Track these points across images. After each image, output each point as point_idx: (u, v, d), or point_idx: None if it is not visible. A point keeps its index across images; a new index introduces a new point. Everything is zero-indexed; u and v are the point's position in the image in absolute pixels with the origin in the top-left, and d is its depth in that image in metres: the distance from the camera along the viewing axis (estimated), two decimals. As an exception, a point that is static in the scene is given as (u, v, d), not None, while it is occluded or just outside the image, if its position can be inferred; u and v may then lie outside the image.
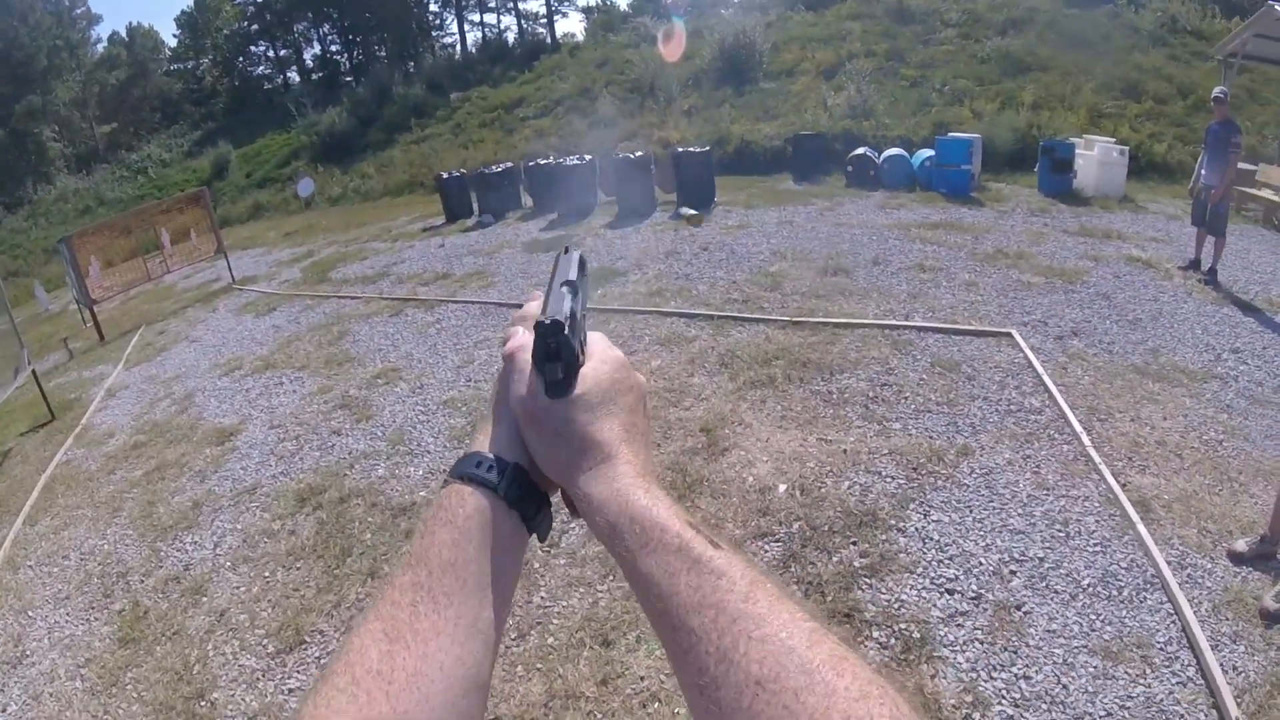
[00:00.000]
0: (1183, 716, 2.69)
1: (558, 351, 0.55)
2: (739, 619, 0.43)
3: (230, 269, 12.85)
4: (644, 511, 0.50)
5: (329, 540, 4.08)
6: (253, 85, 43.17)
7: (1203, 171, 7.63)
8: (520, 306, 0.65)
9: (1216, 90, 7.61)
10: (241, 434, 5.95)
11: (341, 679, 0.45)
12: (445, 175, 14.65)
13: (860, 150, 12.66)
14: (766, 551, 3.53)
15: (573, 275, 0.64)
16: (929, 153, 12.16)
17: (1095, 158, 11.36)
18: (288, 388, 6.83)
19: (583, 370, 0.57)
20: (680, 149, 12.16)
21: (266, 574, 3.93)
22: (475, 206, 14.04)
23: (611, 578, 3.40)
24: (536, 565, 3.54)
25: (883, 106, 15.86)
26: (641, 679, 2.95)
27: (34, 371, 7.86)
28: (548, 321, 0.55)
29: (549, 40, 36.14)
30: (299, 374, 7.11)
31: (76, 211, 29.26)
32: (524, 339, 0.59)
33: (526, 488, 0.56)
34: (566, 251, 0.68)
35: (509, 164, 14.46)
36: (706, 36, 20.97)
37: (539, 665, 3.06)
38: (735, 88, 18.99)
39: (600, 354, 0.60)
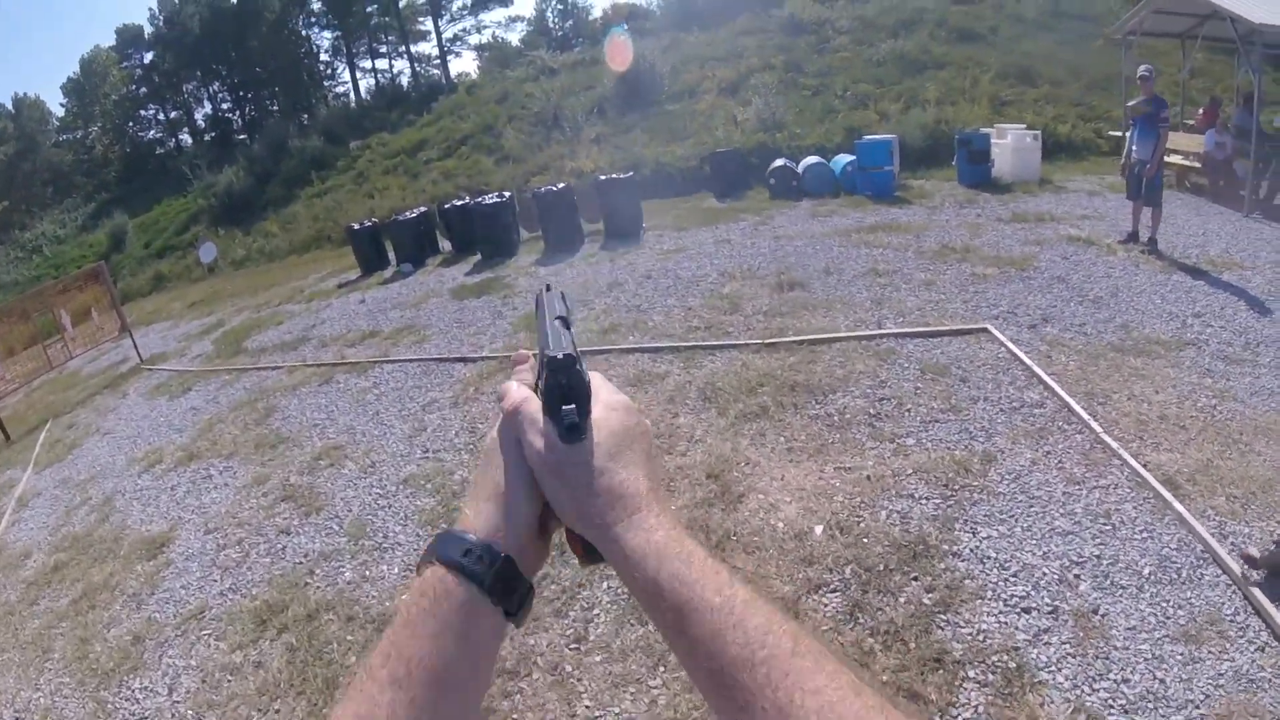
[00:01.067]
0: (1270, 680, 2.68)
1: (569, 390, 0.54)
2: (791, 674, 0.44)
3: (136, 347, 11.70)
4: (683, 569, 0.50)
5: (305, 670, 3.41)
6: (145, 150, 41.34)
7: (1134, 147, 7.79)
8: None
9: (1142, 69, 7.82)
10: (174, 543, 5.17)
11: None
12: (356, 226, 13.86)
13: (780, 162, 12.63)
14: (826, 605, 3.12)
15: (562, 311, 0.63)
16: (849, 158, 12.22)
17: (1009, 145, 11.63)
18: (217, 480, 6.06)
19: (594, 416, 0.56)
20: (603, 176, 11.82)
21: (240, 723, 3.27)
22: (391, 256, 13.38)
23: (663, 668, 2.91)
24: (569, 668, 3.00)
25: (791, 117, 15.98)
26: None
27: None
28: (560, 356, 0.54)
29: (444, 81, 35.59)
30: (228, 463, 6.35)
31: (-29, 300, 26.96)
32: (525, 390, 0.59)
33: (514, 581, 0.55)
34: (549, 289, 0.67)
35: (422, 208, 13.80)
36: (606, 63, 20.91)
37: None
38: (641, 111, 18.88)
39: (607, 399, 0.59)
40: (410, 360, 7.64)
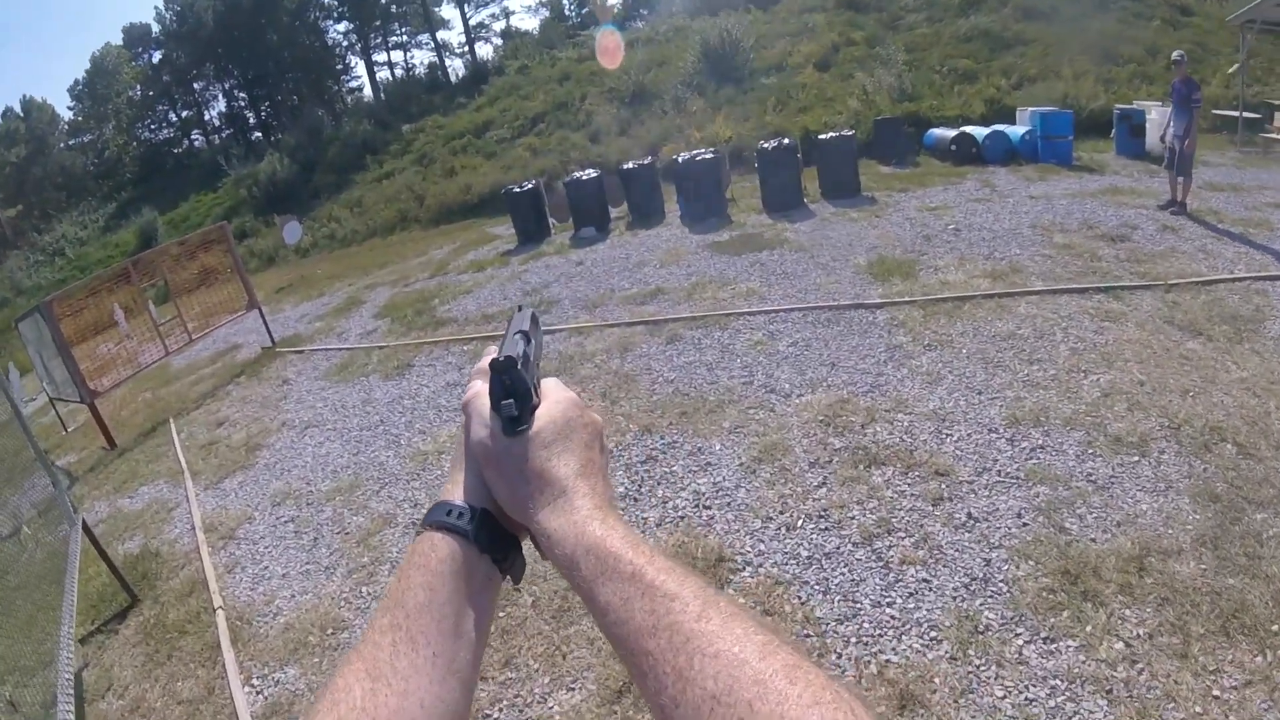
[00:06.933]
0: None
1: (511, 388, 0.59)
2: (693, 638, 0.44)
3: (268, 327, 10.69)
4: (598, 541, 0.52)
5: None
6: (159, 150, 40.27)
7: (1170, 125, 8.66)
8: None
9: (1175, 53, 8.74)
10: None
11: (327, 716, 0.47)
12: (516, 189, 13.18)
13: (965, 129, 12.98)
14: None
15: (525, 326, 0.68)
16: (1024, 128, 12.55)
17: (1155, 120, 12.07)
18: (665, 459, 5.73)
19: (538, 410, 0.60)
20: (823, 136, 11.86)
21: None
22: (552, 222, 13.04)
23: None
24: None
25: (924, 89, 16.21)
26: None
27: (86, 527, 4.95)
28: (501, 359, 0.60)
29: (464, 68, 34.83)
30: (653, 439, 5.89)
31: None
32: (481, 388, 0.63)
33: (495, 531, 0.59)
34: (520, 309, 0.73)
35: (593, 172, 13.29)
36: (690, 38, 20.83)
37: None
38: (735, 85, 18.88)
39: (554, 395, 0.63)
40: (798, 309, 7.08)
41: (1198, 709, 2.67)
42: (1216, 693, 2.73)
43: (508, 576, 0.60)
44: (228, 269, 11.78)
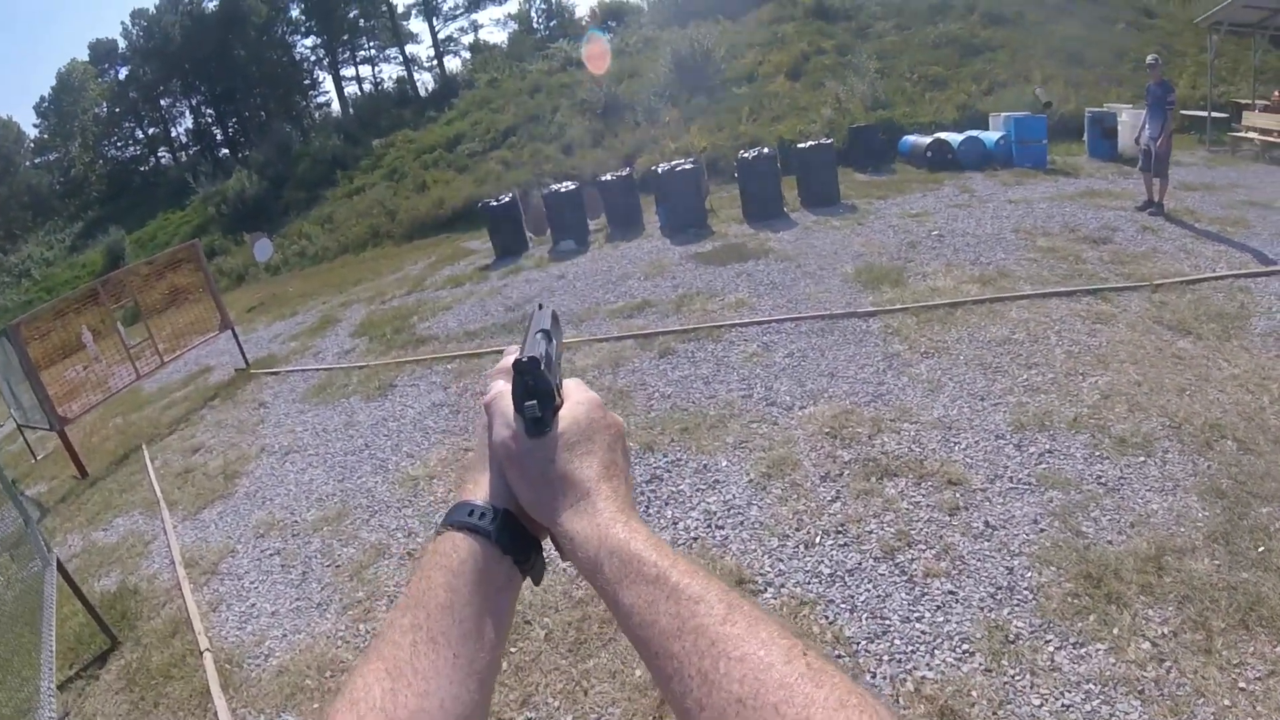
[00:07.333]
0: None
1: (535, 388, 0.58)
2: (718, 641, 0.44)
3: (242, 349, 10.34)
4: (622, 545, 0.52)
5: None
6: (126, 168, 39.34)
7: (1145, 126, 8.74)
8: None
9: (1150, 57, 8.92)
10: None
11: (346, 716, 0.47)
12: (494, 202, 13.02)
13: (940, 135, 13.08)
14: None
15: (547, 325, 0.67)
16: (998, 133, 12.70)
17: (1127, 123, 12.30)
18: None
19: (561, 412, 0.60)
20: (802, 145, 11.88)
21: None
22: (530, 237, 12.91)
23: None
24: None
25: (897, 97, 16.40)
26: None
27: (61, 566, 4.63)
28: (525, 359, 0.59)
29: (436, 81, 34.74)
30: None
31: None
32: (503, 388, 0.62)
33: (517, 533, 0.59)
34: (541, 307, 0.72)
35: (569, 183, 13.18)
36: (660, 49, 20.87)
37: None
38: (706, 95, 18.93)
39: (576, 396, 0.63)
40: (791, 319, 7.02)
41: (1226, 701, 2.69)
42: (1243, 685, 2.75)
43: (529, 577, 0.61)
44: (199, 288, 11.45)
